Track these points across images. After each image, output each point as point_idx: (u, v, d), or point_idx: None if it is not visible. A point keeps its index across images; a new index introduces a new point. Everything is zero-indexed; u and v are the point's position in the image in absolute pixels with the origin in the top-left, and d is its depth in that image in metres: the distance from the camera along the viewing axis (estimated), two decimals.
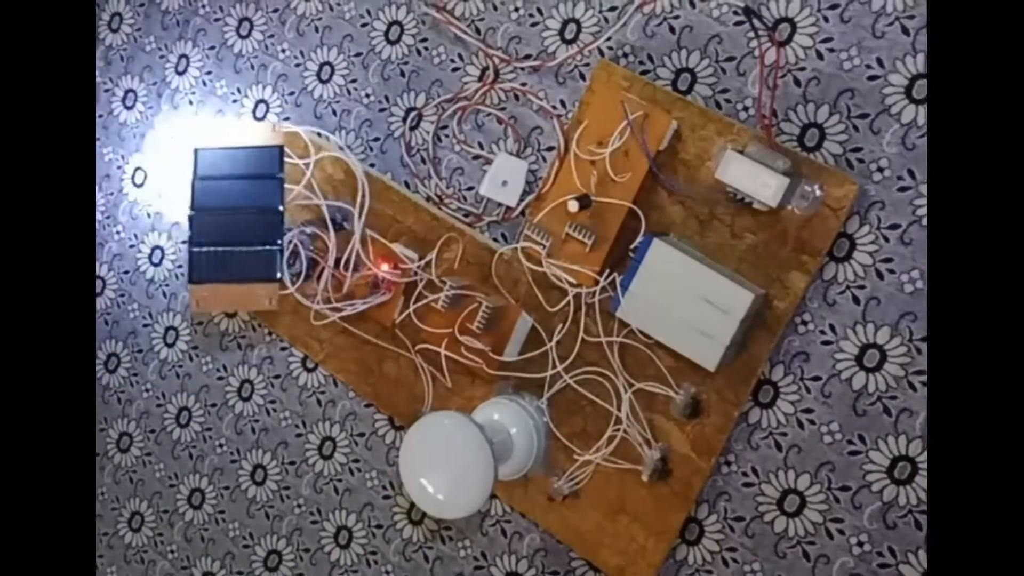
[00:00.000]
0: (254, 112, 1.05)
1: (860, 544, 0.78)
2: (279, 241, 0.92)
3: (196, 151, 0.96)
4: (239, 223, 0.92)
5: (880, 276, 0.76)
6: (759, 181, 0.74)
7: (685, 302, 0.78)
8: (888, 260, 0.76)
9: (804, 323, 0.79)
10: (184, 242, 1.11)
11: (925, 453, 0.75)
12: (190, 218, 0.92)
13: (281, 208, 0.94)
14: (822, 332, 0.79)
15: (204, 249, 0.90)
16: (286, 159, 0.95)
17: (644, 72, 0.84)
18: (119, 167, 1.15)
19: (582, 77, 0.87)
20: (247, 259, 0.91)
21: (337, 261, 0.93)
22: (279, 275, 0.91)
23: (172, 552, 1.13)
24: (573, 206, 0.80)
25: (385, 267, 0.91)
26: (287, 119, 1.01)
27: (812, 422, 0.79)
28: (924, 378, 0.75)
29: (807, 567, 0.80)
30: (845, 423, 0.78)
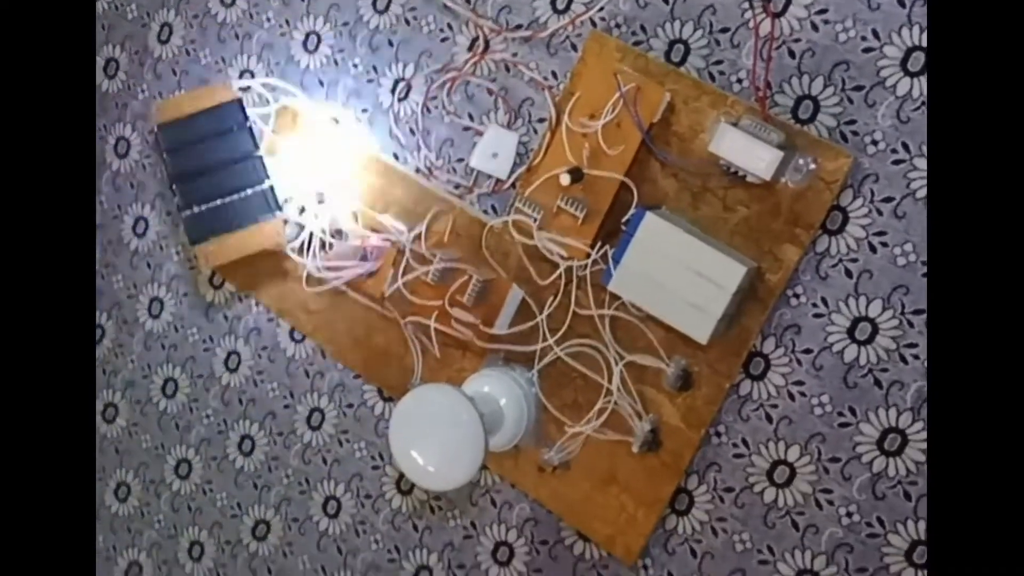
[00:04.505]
0: (240, 79, 1.03)
1: (849, 515, 0.79)
2: (266, 180, 0.91)
3: (157, 127, 0.95)
4: (221, 178, 0.92)
5: (873, 249, 0.76)
6: (753, 154, 0.74)
7: (677, 275, 0.78)
8: (881, 233, 0.76)
9: (796, 296, 0.79)
10: (169, 213, 1.10)
11: (916, 424, 0.76)
12: (172, 188, 0.91)
13: (258, 152, 0.94)
14: (814, 305, 0.79)
15: (196, 210, 0.89)
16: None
17: (637, 43, 0.83)
18: (101, 137, 1.14)
19: (574, 48, 0.86)
20: (241, 206, 0.91)
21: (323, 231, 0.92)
22: (279, 210, 0.90)
23: (159, 522, 1.13)
24: (565, 179, 0.80)
25: (374, 238, 0.91)
26: (272, 89, 1.00)
27: (803, 394, 0.80)
28: (915, 351, 0.76)
29: (796, 537, 0.81)
30: (836, 395, 0.79)
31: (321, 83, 0.99)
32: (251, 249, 0.90)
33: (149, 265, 1.12)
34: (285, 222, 0.92)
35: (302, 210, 0.93)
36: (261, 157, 0.91)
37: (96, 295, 1.15)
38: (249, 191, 0.90)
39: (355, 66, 0.97)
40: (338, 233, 0.92)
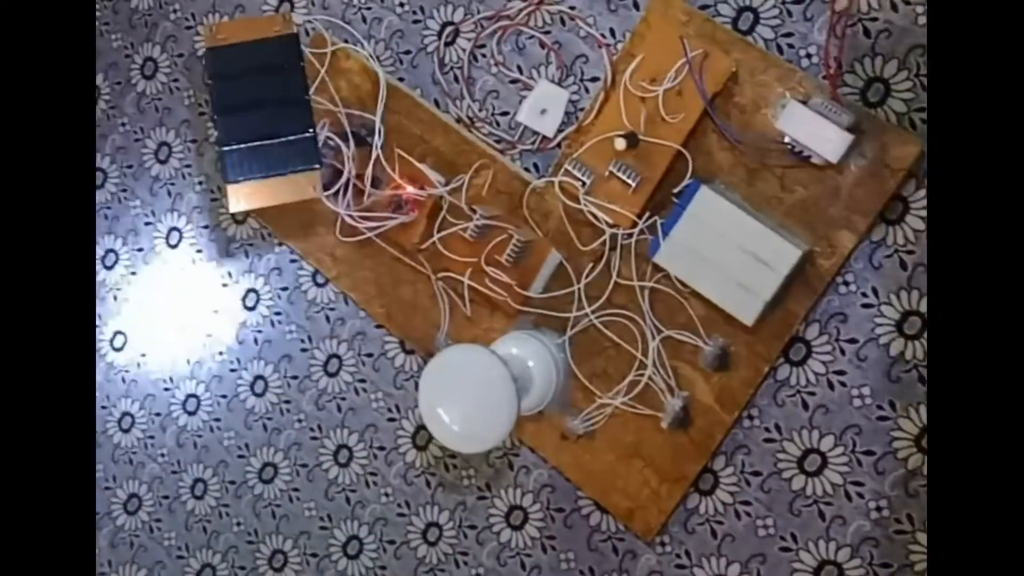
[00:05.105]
0: (277, 9, 1.00)
1: (879, 509, 0.77)
2: (311, 129, 0.87)
3: (208, 51, 0.90)
4: (265, 117, 0.87)
5: None
6: (821, 135, 0.71)
7: (728, 253, 0.75)
8: None
9: (846, 284, 0.77)
10: (194, 141, 1.06)
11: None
12: (213, 119, 0.87)
13: (307, 97, 0.88)
14: (864, 295, 0.77)
15: (234, 147, 0.85)
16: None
17: (704, 7, 0.80)
18: (127, 55, 1.10)
19: (636, 6, 0.83)
20: (282, 151, 0.86)
21: (360, 176, 0.89)
22: (319, 162, 0.86)
23: (162, 456, 1.11)
24: (620, 144, 0.77)
25: (411, 188, 0.88)
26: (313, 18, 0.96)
27: (843, 384, 0.78)
28: None
29: (821, 527, 0.79)
30: (878, 388, 0.77)
31: (364, 19, 0.95)
32: (284, 199, 0.86)
33: (170, 193, 1.08)
34: (320, 166, 0.88)
35: (337, 152, 0.90)
36: (310, 102, 0.87)
37: (110, 219, 1.12)
38: (292, 138, 0.85)
39: (401, 5, 0.93)
40: (374, 181, 0.89)
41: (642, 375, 0.82)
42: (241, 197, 0.85)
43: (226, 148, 0.84)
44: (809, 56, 0.77)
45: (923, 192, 0.74)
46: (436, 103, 0.92)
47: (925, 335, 0.75)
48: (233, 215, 1.04)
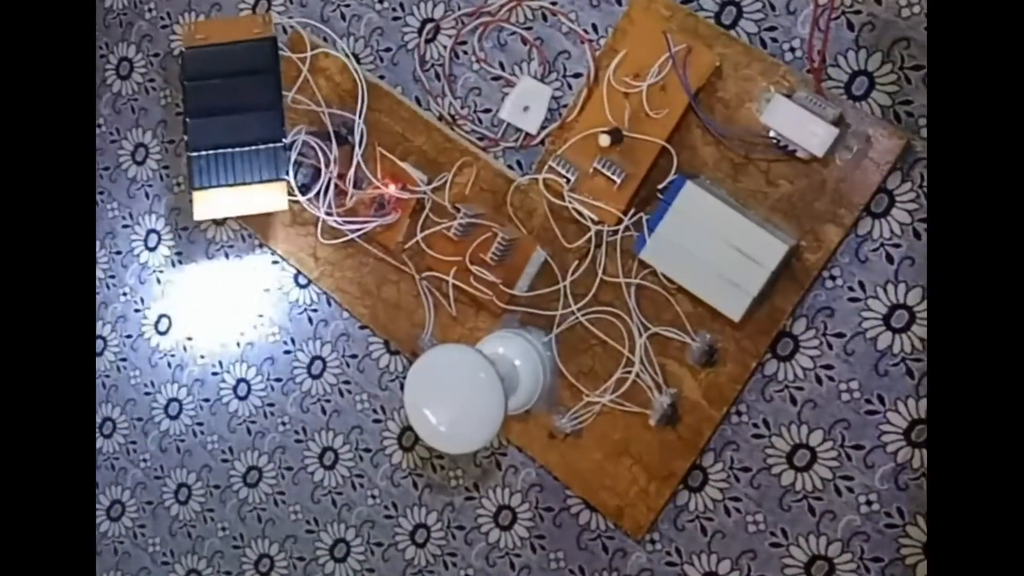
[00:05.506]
0: (254, 8, 0.99)
1: (869, 503, 0.77)
2: (283, 138, 0.86)
3: (183, 52, 0.88)
4: (237, 123, 0.85)
5: (917, 236, 0.74)
6: (806, 129, 0.71)
7: (714, 248, 0.75)
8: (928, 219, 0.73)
9: (832, 278, 0.77)
10: (171, 142, 1.05)
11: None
12: (184, 122, 0.86)
13: (281, 104, 0.87)
14: (850, 289, 0.76)
15: (203, 153, 0.83)
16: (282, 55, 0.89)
17: (686, 1, 0.79)
18: (102, 55, 1.08)
19: (618, 2, 0.82)
20: (250, 160, 0.84)
21: (341, 176, 0.88)
22: (287, 173, 0.85)
23: (145, 461, 1.10)
24: (605, 140, 0.77)
25: (393, 187, 0.87)
26: (290, 18, 0.95)
27: (831, 378, 0.78)
28: None
29: (811, 522, 0.79)
30: (865, 382, 0.76)
31: (343, 16, 0.94)
32: (250, 210, 0.85)
33: (147, 195, 1.07)
34: (299, 165, 0.87)
35: (315, 151, 0.89)
36: (283, 110, 0.85)
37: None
38: (262, 147, 0.84)
39: (380, 1, 0.92)
40: (356, 180, 0.88)
41: (629, 372, 0.82)
42: (206, 206, 0.83)
43: (194, 153, 0.83)
44: (793, 50, 0.76)
45: (908, 185, 0.74)
46: (417, 101, 0.91)
47: (912, 328, 0.75)
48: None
